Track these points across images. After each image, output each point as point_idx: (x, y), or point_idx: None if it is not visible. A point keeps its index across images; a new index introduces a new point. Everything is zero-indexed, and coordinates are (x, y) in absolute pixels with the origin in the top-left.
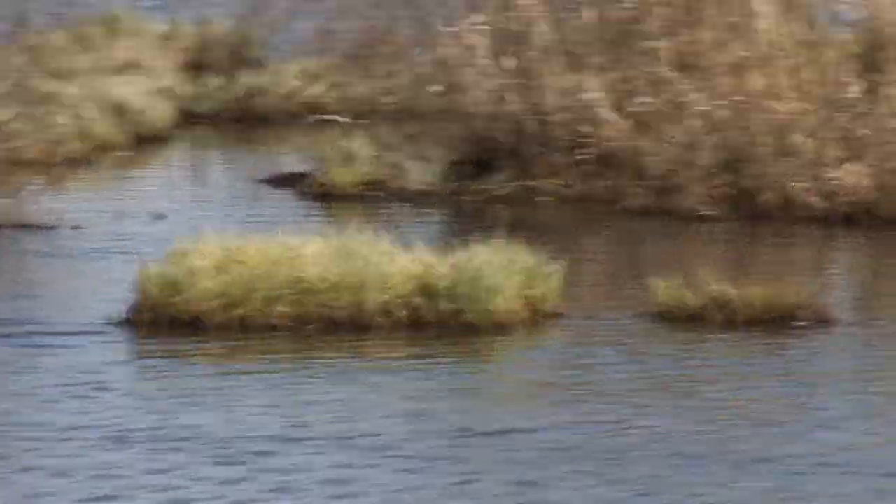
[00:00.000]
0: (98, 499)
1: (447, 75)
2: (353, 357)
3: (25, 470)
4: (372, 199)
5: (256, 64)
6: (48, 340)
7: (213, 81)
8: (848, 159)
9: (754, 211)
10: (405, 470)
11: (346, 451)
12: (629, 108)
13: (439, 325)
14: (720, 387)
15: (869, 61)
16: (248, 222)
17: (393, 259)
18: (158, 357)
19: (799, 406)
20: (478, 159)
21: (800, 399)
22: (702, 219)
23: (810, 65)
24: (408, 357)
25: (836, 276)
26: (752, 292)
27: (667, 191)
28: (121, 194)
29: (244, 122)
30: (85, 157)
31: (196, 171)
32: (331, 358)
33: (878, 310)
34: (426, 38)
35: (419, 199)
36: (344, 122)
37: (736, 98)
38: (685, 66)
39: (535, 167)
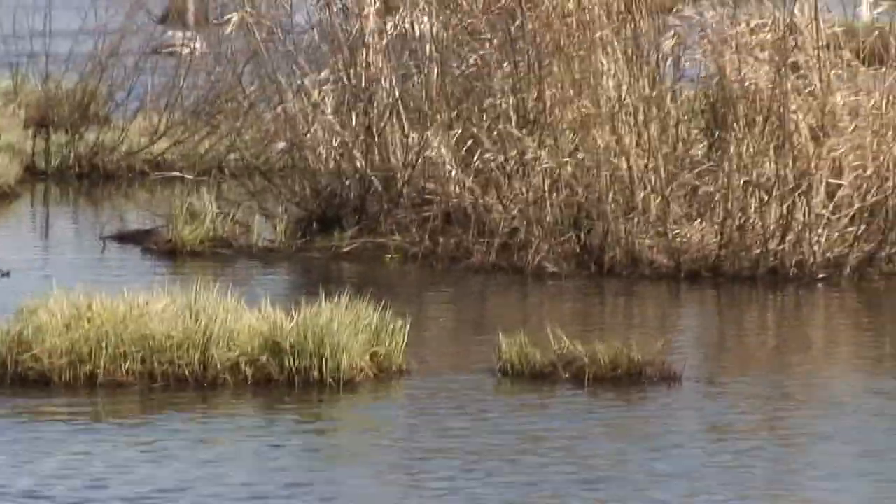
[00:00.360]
0: None
1: (292, 132)
2: (199, 414)
3: None
4: (218, 255)
5: (101, 120)
6: None
7: (58, 138)
8: (693, 216)
9: (600, 267)
10: None
11: None
12: (474, 165)
13: (286, 383)
14: (560, 444)
15: (715, 118)
16: (94, 279)
17: (239, 316)
18: (4, 416)
19: (636, 463)
20: (324, 216)
21: (638, 456)
22: (548, 276)
23: (655, 121)
24: (253, 414)
25: (681, 333)
26: (600, 349)
27: (512, 247)
28: None
29: (89, 178)
30: None
31: (42, 227)
32: (177, 415)
33: (722, 366)
34: (271, 94)
35: (265, 255)
36: (188, 179)
37: (581, 155)
38: (530, 122)
39: (381, 224)
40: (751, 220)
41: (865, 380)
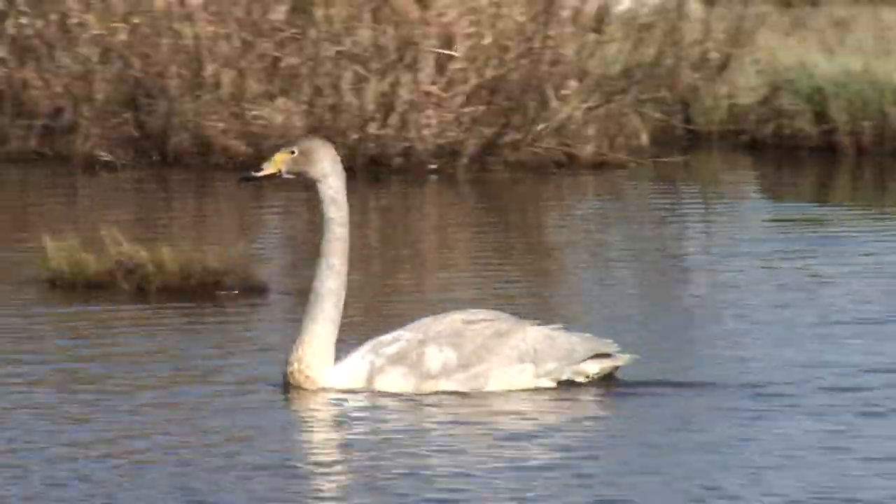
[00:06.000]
0: None
1: None
2: None
3: None
4: None
5: None
6: None
7: None
8: (275, 94)
9: (164, 156)
10: None
11: None
12: (8, 32)
13: None
14: (105, 366)
15: None
16: None
17: None
18: None
19: (207, 383)
20: None
21: (209, 377)
22: (101, 165)
23: None
24: None
25: (264, 235)
26: (167, 255)
27: (57, 131)
28: None
29: None
30: None
31: None
32: None
33: (307, 274)
34: None
35: None
36: None
37: (137, 20)
38: None
39: None
40: (345, 99)
41: (482, 286)
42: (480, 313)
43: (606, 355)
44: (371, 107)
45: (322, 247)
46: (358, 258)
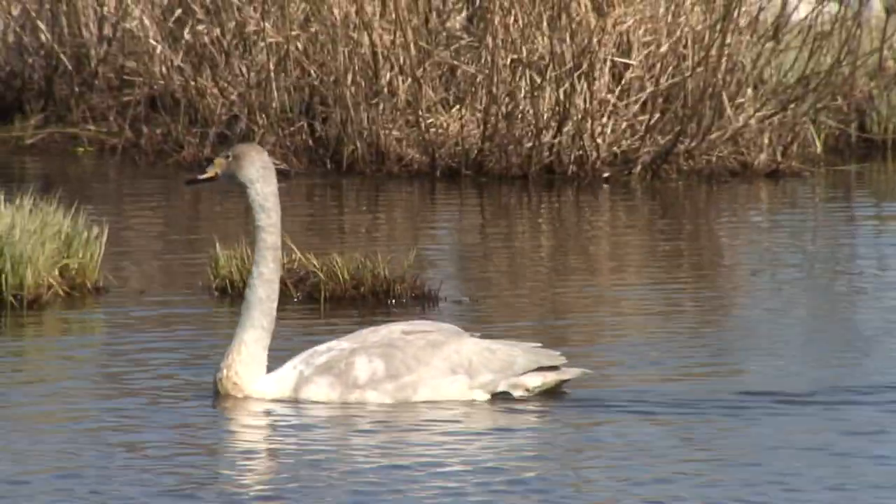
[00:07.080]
0: None
1: None
2: None
3: None
4: None
5: None
6: None
7: None
8: (451, 102)
9: (338, 164)
10: None
11: None
12: (184, 39)
13: None
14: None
15: None
16: None
17: None
18: None
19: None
20: (2, 100)
21: None
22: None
23: None
24: None
25: (437, 243)
26: (338, 263)
27: (232, 139)
28: None
29: None
30: None
31: None
32: None
33: (486, 282)
34: None
35: None
36: None
37: (314, 28)
38: None
39: (72, 110)
40: (521, 108)
41: (650, 294)
42: (423, 325)
43: (553, 368)
44: (546, 115)
45: (255, 254)
46: (530, 264)
